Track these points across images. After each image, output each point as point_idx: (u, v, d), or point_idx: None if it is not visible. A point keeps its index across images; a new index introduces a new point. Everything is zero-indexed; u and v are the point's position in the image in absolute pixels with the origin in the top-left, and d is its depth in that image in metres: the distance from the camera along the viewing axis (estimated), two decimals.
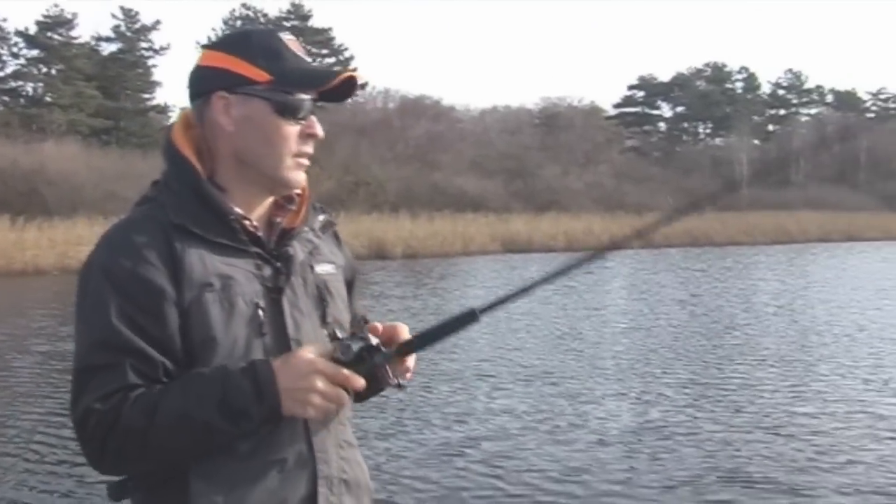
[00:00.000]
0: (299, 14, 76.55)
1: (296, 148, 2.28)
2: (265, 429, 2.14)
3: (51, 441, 10.28)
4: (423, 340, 2.24)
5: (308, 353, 2.13)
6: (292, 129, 2.27)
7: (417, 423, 10.97)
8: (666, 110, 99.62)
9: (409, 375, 2.35)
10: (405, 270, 34.26)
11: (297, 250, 2.36)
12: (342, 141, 58.73)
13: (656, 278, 32.30)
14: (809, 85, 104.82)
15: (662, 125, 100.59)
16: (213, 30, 74.07)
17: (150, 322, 2.13)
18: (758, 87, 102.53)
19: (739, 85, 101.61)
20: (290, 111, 2.26)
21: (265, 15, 75.83)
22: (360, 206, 48.94)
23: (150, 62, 71.15)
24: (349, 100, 2.40)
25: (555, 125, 75.40)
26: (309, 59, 2.33)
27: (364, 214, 45.69)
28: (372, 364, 2.15)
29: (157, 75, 71.71)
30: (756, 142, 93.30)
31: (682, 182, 73.76)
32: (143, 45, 70.93)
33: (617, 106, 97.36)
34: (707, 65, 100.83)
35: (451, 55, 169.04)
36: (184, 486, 2.13)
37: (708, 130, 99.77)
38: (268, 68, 2.25)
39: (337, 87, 2.30)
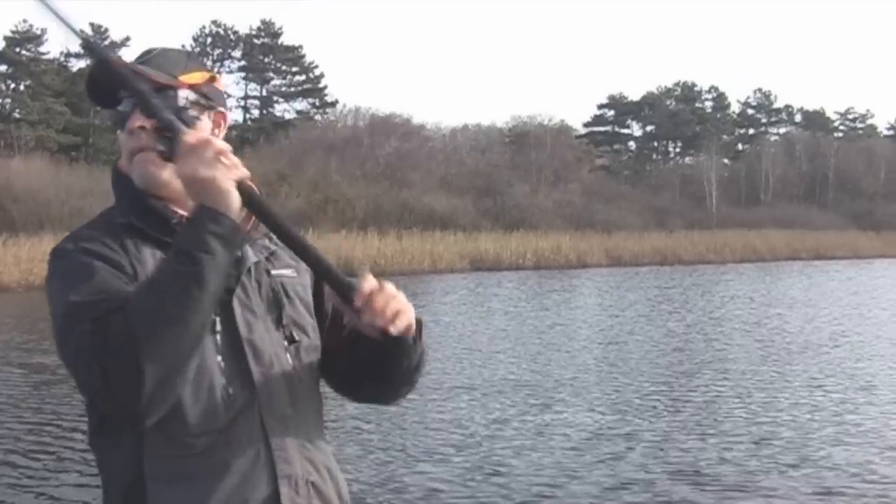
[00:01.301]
0: (270, 31, 76.58)
1: (127, 150, 2.32)
2: (228, 246, 2.09)
3: (34, 453, 10.23)
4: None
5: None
6: (124, 137, 2.32)
7: (398, 431, 11.19)
8: (636, 129, 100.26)
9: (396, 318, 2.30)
10: None
11: (249, 253, 2.35)
12: (312, 159, 58.70)
13: (627, 295, 32.36)
14: (778, 104, 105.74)
15: (632, 144, 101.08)
16: (183, 46, 73.32)
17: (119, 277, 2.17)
18: (727, 106, 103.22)
19: (709, 104, 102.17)
20: (117, 124, 2.33)
21: (235, 32, 75.87)
22: (329, 223, 48.74)
23: None
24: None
25: (525, 144, 75.42)
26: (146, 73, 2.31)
27: (332, 232, 45.53)
28: (187, 113, 2.24)
29: None
30: (725, 161, 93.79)
31: (652, 201, 74.08)
32: None
33: (587, 125, 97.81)
34: (677, 84, 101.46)
35: (425, 74, 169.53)
36: (143, 493, 2.12)
37: (678, 149, 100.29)
38: None
39: (108, 83, 2.26)
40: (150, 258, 2.21)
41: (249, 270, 2.34)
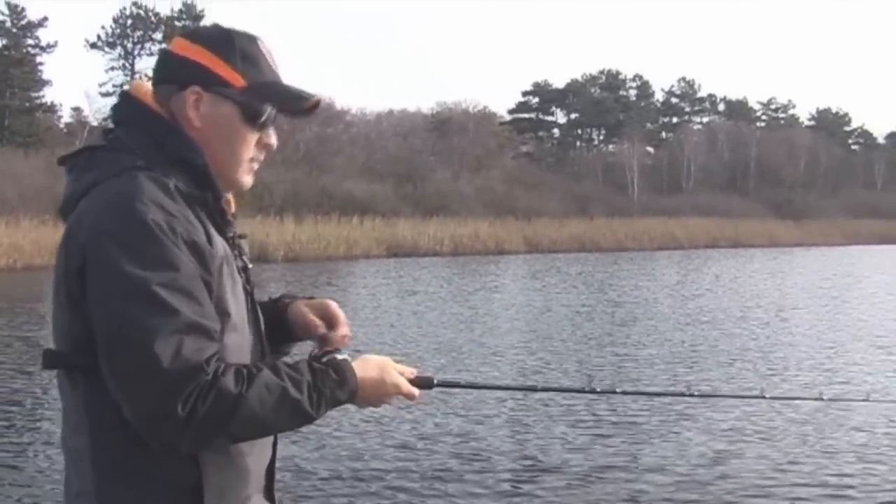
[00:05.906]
0: (192, 14, 75.46)
1: (252, 154, 2.37)
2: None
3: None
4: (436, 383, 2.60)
5: (398, 377, 2.42)
6: (252, 137, 2.35)
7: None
8: (560, 116, 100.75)
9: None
10: (289, 273, 34.05)
11: (245, 248, 2.49)
12: None
13: (540, 280, 32.67)
14: (702, 93, 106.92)
15: (556, 131, 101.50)
16: (103, 28, 73.25)
17: (207, 286, 2.17)
18: (651, 94, 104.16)
19: (633, 92, 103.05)
20: (255, 120, 2.33)
21: (157, 14, 74.67)
22: (246, 208, 48.13)
23: (37, 59, 69.60)
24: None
25: (447, 130, 75.24)
26: (279, 70, 2.41)
27: (248, 217, 45.08)
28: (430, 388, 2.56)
29: (45, 73, 69.58)
30: (648, 149, 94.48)
31: (574, 188, 74.36)
32: (30, 41, 69.35)
33: (511, 111, 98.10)
34: (601, 72, 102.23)
35: (352, 58, 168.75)
36: (194, 462, 2.18)
37: (601, 137, 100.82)
38: (245, 74, 2.32)
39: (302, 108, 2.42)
40: (212, 230, 2.24)
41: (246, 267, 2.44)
